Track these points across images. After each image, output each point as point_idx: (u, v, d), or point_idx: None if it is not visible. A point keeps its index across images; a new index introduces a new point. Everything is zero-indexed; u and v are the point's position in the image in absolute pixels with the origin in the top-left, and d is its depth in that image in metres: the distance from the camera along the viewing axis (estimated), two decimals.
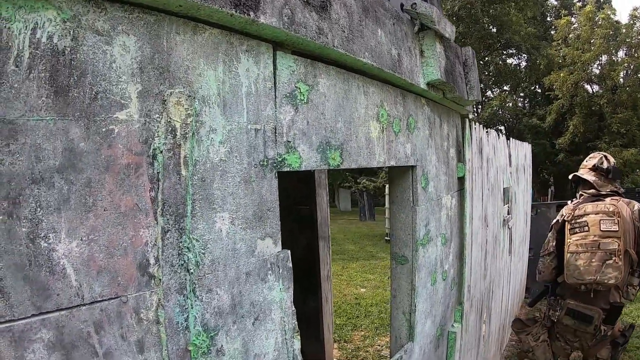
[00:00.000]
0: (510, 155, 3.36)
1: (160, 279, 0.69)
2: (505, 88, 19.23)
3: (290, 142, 0.91)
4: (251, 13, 0.78)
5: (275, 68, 0.90)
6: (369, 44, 1.15)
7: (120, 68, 0.62)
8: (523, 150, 4.25)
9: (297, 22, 0.88)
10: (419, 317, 1.67)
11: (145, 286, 0.67)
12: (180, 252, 0.71)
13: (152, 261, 0.68)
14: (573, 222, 1.94)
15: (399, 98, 1.46)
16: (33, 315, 0.53)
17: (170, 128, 0.70)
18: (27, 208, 0.53)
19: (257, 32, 0.84)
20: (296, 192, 3.13)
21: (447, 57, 1.64)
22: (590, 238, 1.84)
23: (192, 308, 0.72)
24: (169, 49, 0.69)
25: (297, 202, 3.20)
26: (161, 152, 0.69)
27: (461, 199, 2.13)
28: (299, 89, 0.95)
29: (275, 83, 0.89)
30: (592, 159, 2.12)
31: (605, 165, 2.04)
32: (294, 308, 0.92)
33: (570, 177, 2.21)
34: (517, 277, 3.95)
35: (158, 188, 0.69)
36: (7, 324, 0.50)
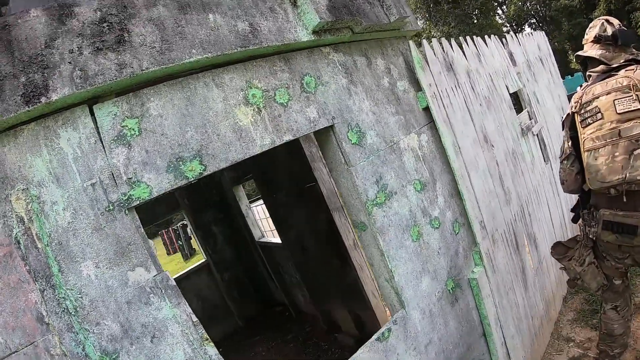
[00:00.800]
0: (512, 54, 3.06)
1: (53, 325, 1.07)
2: None
3: (131, 178, 1.20)
4: (42, 98, 1.07)
5: (95, 122, 1.18)
6: (197, 38, 1.33)
7: None
8: (533, 43, 3.84)
9: (91, 75, 1.13)
10: (404, 281, 1.85)
11: (47, 331, 1.07)
12: (59, 302, 1.08)
13: (44, 313, 1.07)
14: (582, 111, 1.82)
15: (278, 65, 1.60)
16: None
17: (19, 219, 1.07)
18: None
19: (60, 106, 1.13)
20: (302, 174, 3.41)
21: None
22: (607, 126, 1.70)
23: (86, 340, 1.09)
24: (2, 161, 1.04)
25: (307, 182, 3.50)
26: (19, 237, 1.06)
27: (436, 132, 2.14)
28: (127, 126, 1.22)
29: (99, 135, 1.18)
30: (592, 29, 1.90)
31: (609, 31, 1.82)
32: (195, 319, 1.24)
33: (574, 58, 2.01)
34: None
35: (28, 263, 1.07)
36: None
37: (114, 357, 1.11)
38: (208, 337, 1.24)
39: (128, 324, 1.14)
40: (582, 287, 2.40)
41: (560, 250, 2.14)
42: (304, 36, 1.63)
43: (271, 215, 4.49)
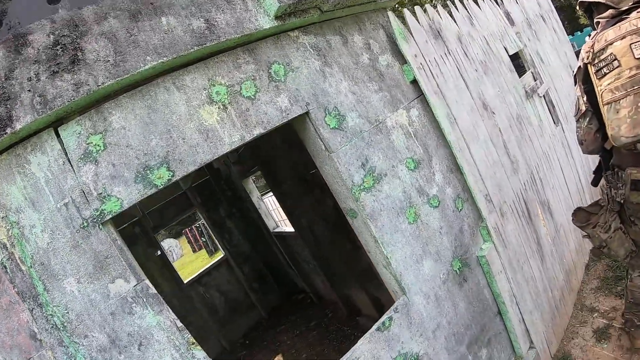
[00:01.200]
0: (508, 14, 2.89)
1: (45, 341, 1.21)
2: None
3: (101, 193, 1.29)
4: (8, 129, 1.16)
5: (62, 143, 1.27)
6: (150, 44, 1.39)
7: None
8: (532, 0, 3.58)
9: (50, 99, 1.21)
10: (403, 266, 1.89)
11: (41, 347, 1.20)
12: (47, 319, 1.21)
13: (36, 331, 1.20)
14: (596, 61, 1.73)
15: (242, 57, 1.63)
16: None
17: (2, 245, 1.19)
18: None
19: (26, 133, 1.22)
20: (304, 162, 3.48)
21: None
22: (626, 74, 1.61)
23: (77, 352, 1.22)
24: None
25: (310, 169, 3.56)
26: (5, 262, 1.19)
27: (427, 105, 2.12)
28: (92, 142, 1.30)
29: (67, 155, 1.26)
30: None
31: None
32: (179, 324, 1.35)
33: (577, 7, 1.89)
34: None
35: (16, 285, 1.20)
36: None
37: None
38: (194, 341, 1.35)
39: (114, 334, 1.26)
40: (609, 255, 2.35)
41: (582, 217, 2.09)
42: (266, 23, 1.64)
43: (281, 206, 4.60)
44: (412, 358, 1.83)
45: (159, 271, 4.85)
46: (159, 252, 4.88)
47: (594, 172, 2.11)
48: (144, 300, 1.30)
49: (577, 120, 1.93)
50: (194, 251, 16.14)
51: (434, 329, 1.94)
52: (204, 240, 14.41)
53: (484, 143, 2.23)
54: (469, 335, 2.08)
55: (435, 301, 1.97)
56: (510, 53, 2.72)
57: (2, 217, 1.21)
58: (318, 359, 3.93)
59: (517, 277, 2.24)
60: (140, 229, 4.85)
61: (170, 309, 1.33)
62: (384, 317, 1.81)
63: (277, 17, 1.66)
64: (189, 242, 16.50)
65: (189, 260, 14.64)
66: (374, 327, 1.77)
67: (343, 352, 1.71)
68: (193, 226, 15.48)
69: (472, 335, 2.10)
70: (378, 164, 1.90)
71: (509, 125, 2.40)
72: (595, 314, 2.55)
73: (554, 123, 3.03)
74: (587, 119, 1.86)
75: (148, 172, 1.35)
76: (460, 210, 2.17)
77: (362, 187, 1.83)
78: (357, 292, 3.92)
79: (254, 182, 5.78)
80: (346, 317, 4.26)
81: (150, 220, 5.02)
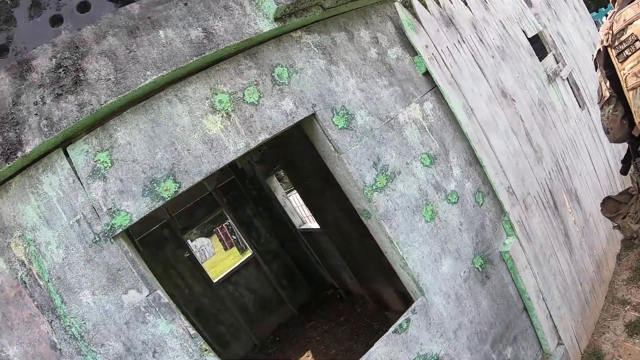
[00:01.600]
0: None
1: (64, 350, 1.27)
2: None
3: (111, 208, 1.33)
4: (19, 153, 1.22)
5: (70, 162, 1.32)
6: (149, 58, 1.41)
7: None
8: None
9: (56, 121, 1.26)
10: (420, 266, 1.84)
11: (61, 356, 1.27)
12: (65, 330, 1.27)
13: (56, 341, 1.27)
14: (616, 43, 1.60)
15: (244, 63, 1.62)
16: None
17: (21, 262, 1.26)
18: None
19: (37, 155, 1.28)
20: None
21: None
22: None
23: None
24: None
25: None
26: (24, 278, 1.26)
27: (442, 97, 2.03)
28: (99, 160, 1.35)
29: (76, 173, 1.32)
30: None
31: None
32: (192, 331, 1.38)
33: None
34: None
35: (35, 299, 1.27)
36: None
37: None
38: (207, 347, 1.37)
39: (130, 342, 1.30)
40: None
41: (612, 206, 1.95)
42: (266, 26, 1.62)
43: (305, 203, 4.61)
44: (432, 359, 1.78)
45: (189, 272, 5.01)
46: (187, 254, 5.03)
47: (622, 162, 1.96)
48: (157, 309, 1.34)
49: (601, 108, 1.79)
50: (226, 249, 16.56)
51: (455, 329, 1.88)
52: (235, 238, 14.75)
53: (504, 133, 2.12)
54: (493, 333, 2.01)
55: (455, 300, 1.91)
56: (530, 36, 2.56)
57: (20, 236, 1.28)
58: (346, 355, 3.94)
59: (543, 271, 2.13)
60: (169, 231, 5.02)
61: (182, 317, 1.37)
62: (401, 319, 1.77)
63: (277, 19, 1.64)
64: (220, 240, 16.95)
65: (221, 258, 15.04)
66: (391, 329, 1.74)
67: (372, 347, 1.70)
68: (223, 225, 15.87)
69: (497, 333, 2.02)
70: (391, 162, 1.85)
71: (530, 112, 2.26)
72: (628, 307, 2.39)
73: (579, 106, 2.84)
74: (612, 105, 1.73)
75: (155, 185, 1.38)
76: (481, 204, 2.08)
77: (374, 187, 1.79)
78: (385, 287, 3.88)
79: (277, 180, 5.83)
80: (375, 312, 4.24)
81: (178, 222, 5.18)
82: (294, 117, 1.66)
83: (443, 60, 2.00)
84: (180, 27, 1.47)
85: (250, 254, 6.06)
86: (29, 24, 1.40)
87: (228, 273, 5.70)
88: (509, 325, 2.07)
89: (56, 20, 1.47)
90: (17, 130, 1.23)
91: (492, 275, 2.05)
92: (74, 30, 1.35)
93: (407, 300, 3.64)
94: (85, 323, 1.27)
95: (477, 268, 2.01)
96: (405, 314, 1.79)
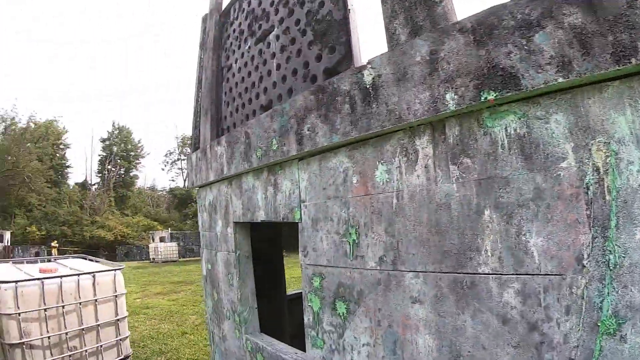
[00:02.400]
0: None
1: (588, 269, 1.28)
2: None
3: None
4: (632, 59, 1.12)
5: None
6: None
7: (556, 135, 1.29)
8: None
9: None
10: None
11: (579, 272, 1.30)
12: (603, 253, 1.25)
13: (585, 256, 1.30)
14: None
15: None
16: (513, 274, 1.38)
17: (595, 168, 1.27)
18: (515, 219, 1.37)
19: None
20: None
21: None
22: None
23: (608, 295, 1.23)
24: (585, 113, 1.26)
25: None
26: (591, 185, 1.28)
27: None
28: None
29: None
30: None
31: None
32: None
33: None
34: None
35: (590, 209, 1.28)
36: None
37: (620, 322, 1.21)
38: None
39: None
40: None
41: None
42: None
43: None
44: None
45: None
46: None
47: None
48: None
49: None
50: None
51: None
52: None
53: None
54: None
55: None
56: None
57: (604, 143, 1.23)
58: None
59: None
60: None
61: None
62: None
63: None
64: None
65: None
66: None
67: None
68: None
69: None
70: None
71: None
72: None
73: None
74: None
75: None
76: None
77: None
78: None
79: None
80: None
81: None
82: None
83: None
84: None
85: None
86: None
87: None
88: None
89: None
90: (633, 35, 1.09)
91: None
92: None
93: None
94: (625, 257, 1.21)
95: None
96: None
